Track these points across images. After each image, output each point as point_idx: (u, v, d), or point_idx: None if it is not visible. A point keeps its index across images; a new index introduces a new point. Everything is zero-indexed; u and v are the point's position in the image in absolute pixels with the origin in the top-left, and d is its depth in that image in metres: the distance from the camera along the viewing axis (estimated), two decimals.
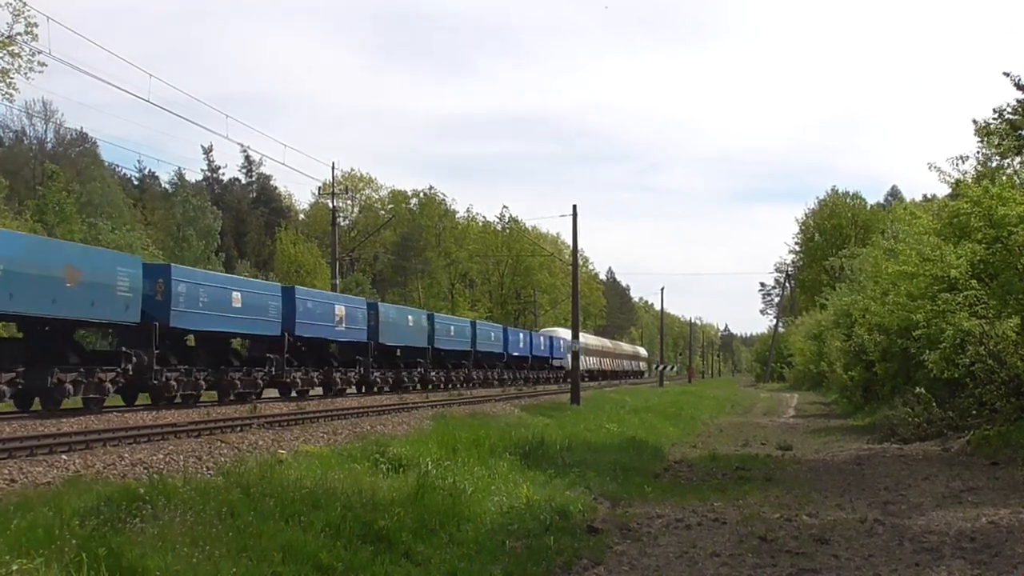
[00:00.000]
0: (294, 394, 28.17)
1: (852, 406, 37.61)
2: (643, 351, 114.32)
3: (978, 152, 21.99)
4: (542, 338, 57.88)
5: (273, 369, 26.32)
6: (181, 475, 11.14)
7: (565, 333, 56.11)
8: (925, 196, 55.35)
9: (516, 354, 50.31)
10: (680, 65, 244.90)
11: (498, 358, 47.49)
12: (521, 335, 53.09)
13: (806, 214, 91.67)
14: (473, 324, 44.47)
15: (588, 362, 67.99)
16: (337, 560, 8.22)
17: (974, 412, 21.32)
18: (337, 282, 44.90)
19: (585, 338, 63.93)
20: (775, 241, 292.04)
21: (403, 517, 9.81)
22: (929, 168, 22.38)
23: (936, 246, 21.85)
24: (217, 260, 57.36)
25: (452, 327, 41.24)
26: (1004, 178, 21.19)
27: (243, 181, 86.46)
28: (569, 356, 45.74)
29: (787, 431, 29.08)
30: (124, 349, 20.44)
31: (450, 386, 40.10)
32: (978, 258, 20.65)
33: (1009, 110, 20.38)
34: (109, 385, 20.16)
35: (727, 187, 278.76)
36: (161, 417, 18.52)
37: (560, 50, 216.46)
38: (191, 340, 24.02)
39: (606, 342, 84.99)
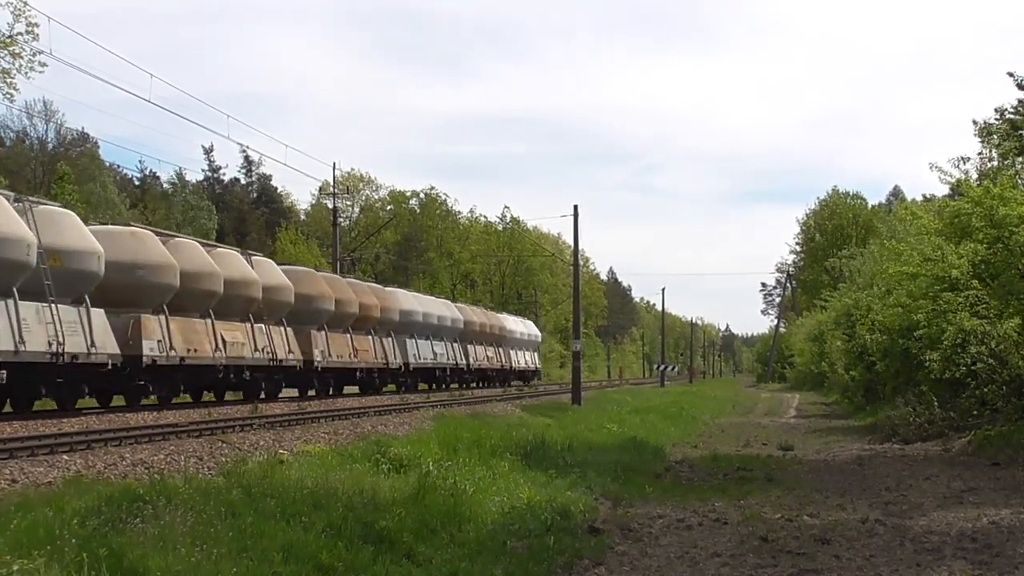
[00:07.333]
0: None
1: (853, 406, 37.57)
2: (531, 329, 56.59)
3: (970, 154, 22.05)
4: None
5: None
6: (182, 475, 11.14)
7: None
8: (926, 196, 55.36)
9: None
10: (680, 65, 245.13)
11: None
12: None
13: (807, 214, 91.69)
14: None
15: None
16: (338, 560, 8.21)
17: (975, 412, 21.29)
18: None
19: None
20: (776, 241, 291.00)
21: (404, 517, 9.81)
22: (930, 168, 22.43)
23: (937, 246, 21.83)
24: None
25: None
26: (1005, 178, 21.18)
27: (243, 181, 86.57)
28: None
29: (788, 431, 29.05)
30: None
31: None
32: (979, 258, 20.62)
33: (1010, 110, 20.39)
34: None
35: (728, 187, 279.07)
36: (162, 417, 18.52)
37: (560, 50, 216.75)
38: None
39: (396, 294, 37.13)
